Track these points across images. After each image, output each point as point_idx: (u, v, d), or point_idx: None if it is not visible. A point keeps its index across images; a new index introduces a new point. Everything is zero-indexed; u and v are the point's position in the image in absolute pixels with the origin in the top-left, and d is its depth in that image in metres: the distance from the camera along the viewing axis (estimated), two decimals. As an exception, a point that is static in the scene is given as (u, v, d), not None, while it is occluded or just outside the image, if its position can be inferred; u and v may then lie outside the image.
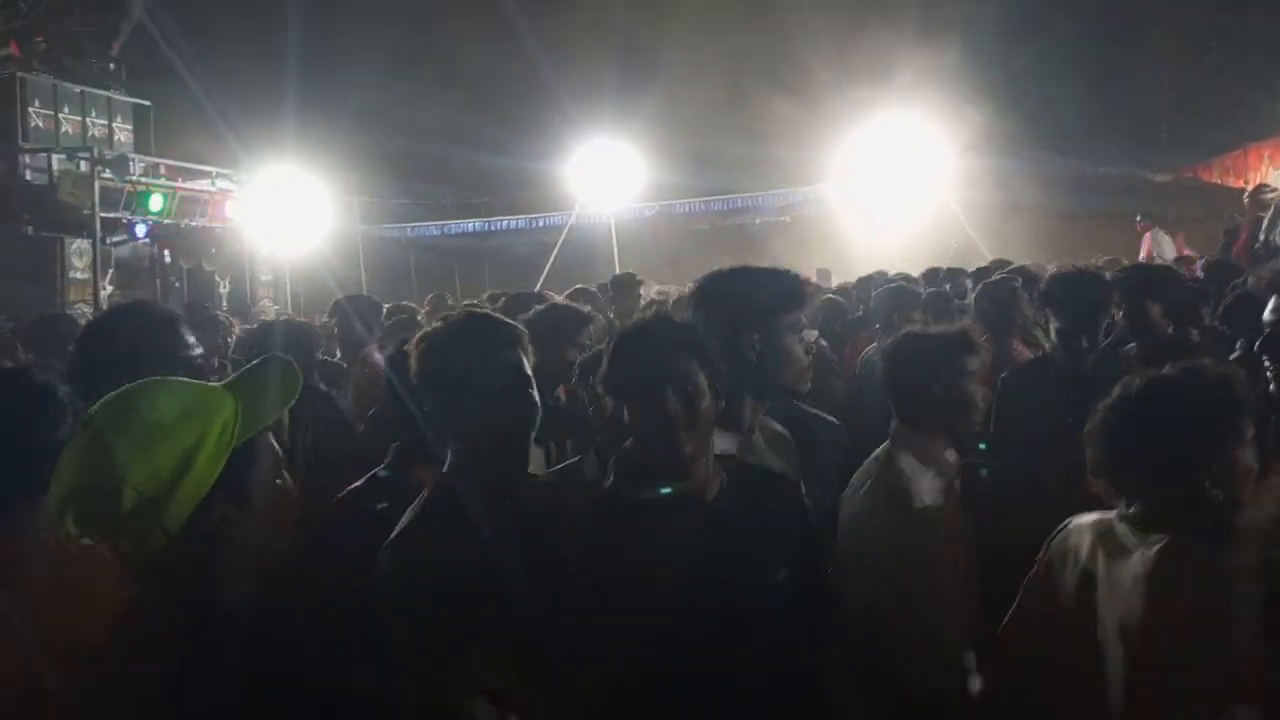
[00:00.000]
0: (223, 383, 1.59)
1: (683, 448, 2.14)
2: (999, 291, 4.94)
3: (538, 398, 2.29)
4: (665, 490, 2.23)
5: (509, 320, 2.36)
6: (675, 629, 2.04)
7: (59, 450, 1.93)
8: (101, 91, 19.46)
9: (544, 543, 2.21)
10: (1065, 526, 2.20)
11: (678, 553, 2.11)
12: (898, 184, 16.20)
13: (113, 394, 1.54)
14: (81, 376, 2.45)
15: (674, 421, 2.12)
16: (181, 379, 1.62)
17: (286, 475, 2.83)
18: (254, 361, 1.67)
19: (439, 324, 2.30)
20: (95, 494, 1.42)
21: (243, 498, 1.52)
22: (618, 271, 15.53)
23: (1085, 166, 19.40)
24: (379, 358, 5.13)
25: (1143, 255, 13.08)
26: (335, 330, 5.49)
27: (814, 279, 10.20)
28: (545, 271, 16.13)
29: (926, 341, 2.90)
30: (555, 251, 17.84)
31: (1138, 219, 13.78)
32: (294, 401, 1.60)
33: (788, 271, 2.86)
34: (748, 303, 2.63)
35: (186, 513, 1.45)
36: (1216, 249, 11.27)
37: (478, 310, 2.48)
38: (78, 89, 18.88)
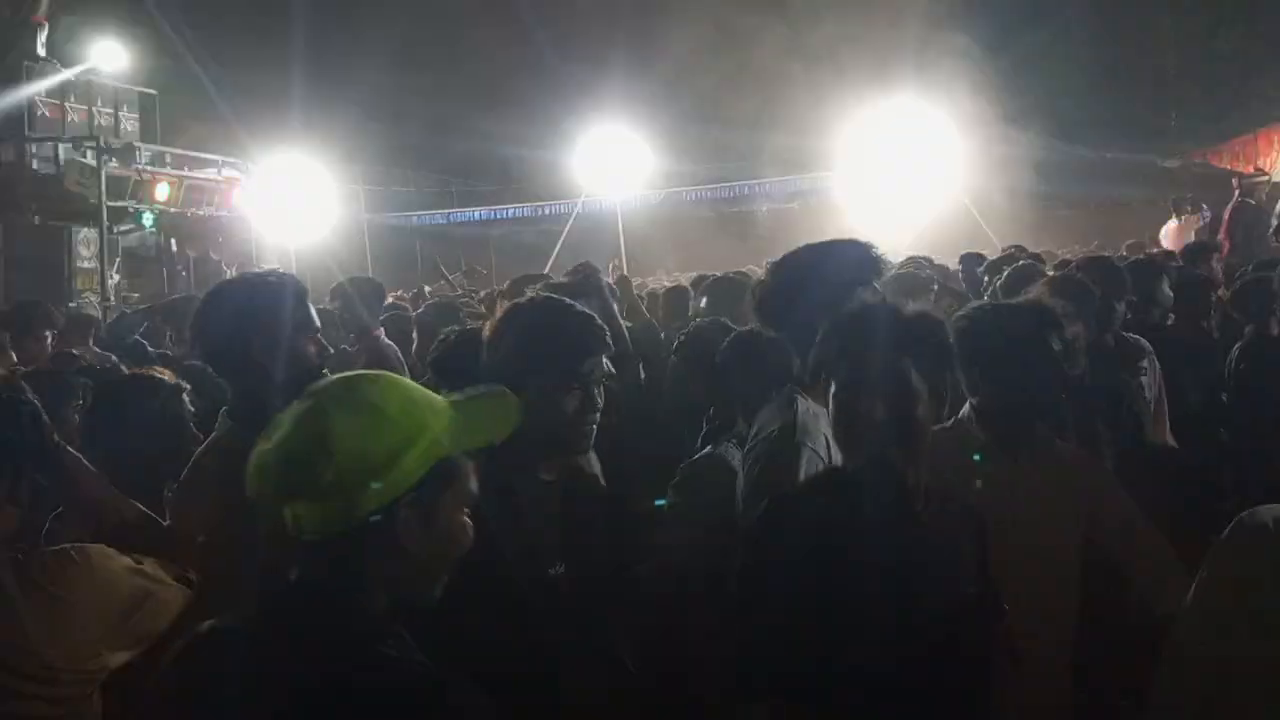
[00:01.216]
0: (450, 396, 1.61)
1: (893, 453, 1.99)
2: (1024, 277, 4.99)
3: (593, 399, 2.22)
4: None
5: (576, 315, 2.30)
6: (874, 641, 1.91)
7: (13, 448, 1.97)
8: (107, 81, 19.44)
9: (573, 539, 2.18)
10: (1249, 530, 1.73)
11: (885, 563, 1.92)
12: (906, 171, 16.12)
13: (343, 375, 1.59)
14: (214, 351, 2.55)
15: (893, 424, 1.97)
16: (409, 380, 1.64)
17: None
18: (482, 387, 1.70)
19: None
20: (301, 457, 1.43)
21: (430, 511, 1.50)
22: (624, 259, 15.54)
23: (1094, 152, 19.31)
24: (387, 342, 5.14)
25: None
26: (338, 315, 5.48)
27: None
28: (551, 259, 16.11)
29: (1013, 313, 2.71)
30: (561, 239, 17.83)
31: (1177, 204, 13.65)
32: (505, 437, 1.63)
33: (860, 241, 2.74)
34: (836, 278, 2.53)
35: (379, 504, 1.45)
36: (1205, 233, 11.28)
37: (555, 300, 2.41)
38: (84, 78, 18.87)
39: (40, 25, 18.43)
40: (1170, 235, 13.16)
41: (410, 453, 1.46)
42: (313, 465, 1.42)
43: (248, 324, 2.48)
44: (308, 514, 1.44)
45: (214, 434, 2.59)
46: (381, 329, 5.20)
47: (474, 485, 1.58)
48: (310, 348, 2.57)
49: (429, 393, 1.58)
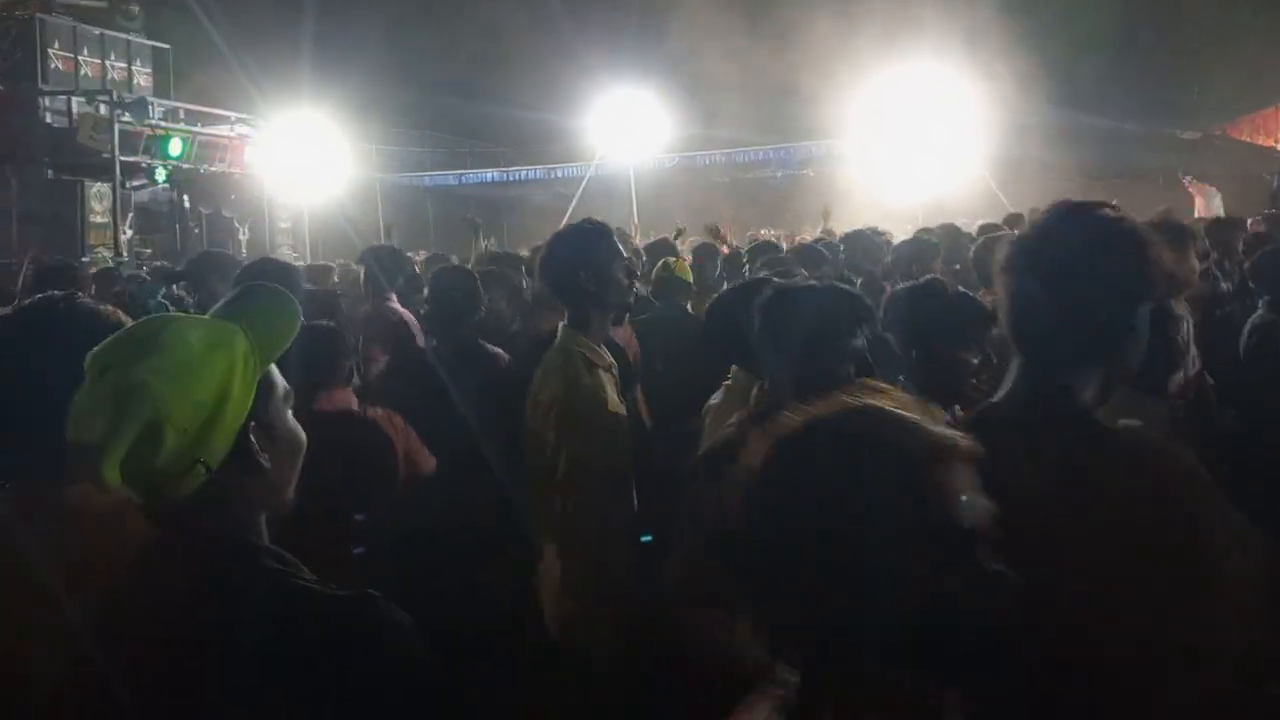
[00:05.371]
0: (214, 315, 1.54)
1: None
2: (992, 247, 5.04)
3: None
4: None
5: None
6: None
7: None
8: (121, 34, 19.37)
9: None
10: None
11: None
12: (921, 138, 16.02)
13: (120, 333, 1.48)
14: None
15: None
16: (192, 315, 1.56)
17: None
18: (238, 292, 1.60)
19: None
20: (136, 439, 1.37)
21: (269, 424, 1.49)
22: (636, 224, 15.47)
23: (1112, 123, 19.12)
24: (397, 307, 5.18)
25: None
26: (362, 279, 5.54)
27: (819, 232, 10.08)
28: (564, 222, 16.06)
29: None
30: (574, 203, 17.77)
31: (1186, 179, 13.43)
32: (299, 329, 1.55)
33: None
34: None
35: (227, 446, 1.42)
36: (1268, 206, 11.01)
37: None
38: (97, 31, 18.79)
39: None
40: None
41: (235, 384, 1.43)
42: (150, 444, 1.37)
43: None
44: (164, 488, 1.41)
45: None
46: (394, 295, 5.25)
47: (284, 383, 1.55)
48: (621, 275, 3.10)
49: (216, 319, 1.52)
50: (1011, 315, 1.87)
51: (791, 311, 2.56)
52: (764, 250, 6.11)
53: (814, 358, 2.50)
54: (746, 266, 5.97)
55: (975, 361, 2.76)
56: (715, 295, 3.72)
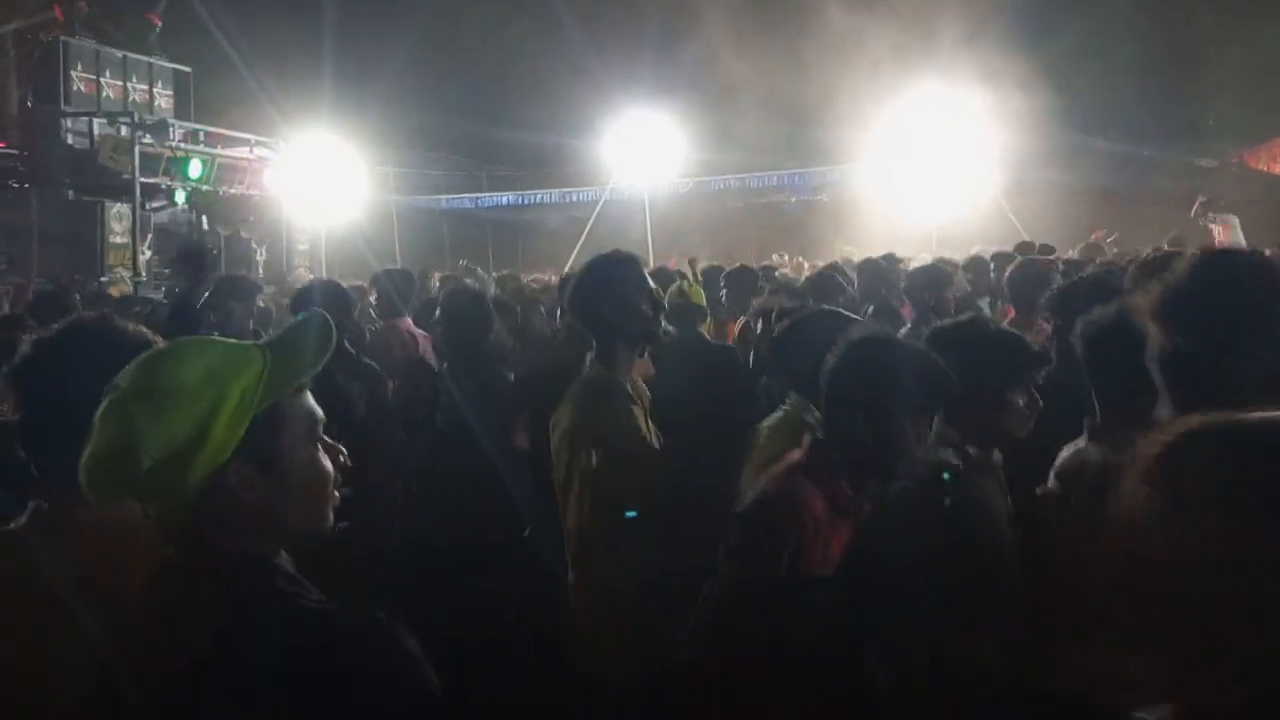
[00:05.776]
0: (261, 341, 1.56)
1: None
2: (1032, 270, 5.09)
3: None
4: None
5: None
6: None
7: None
8: (143, 57, 19.60)
9: None
10: None
11: None
12: (937, 164, 16.01)
13: (144, 356, 1.52)
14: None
15: None
16: (216, 338, 1.59)
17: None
18: (295, 319, 1.65)
19: None
20: (114, 459, 1.42)
21: (267, 460, 1.47)
22: (651, 248, 15.51)
23: (1129, 149, 19.10)
24: (411, 328, 5.23)
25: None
26: (374, 302, 5.61)
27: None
28: (579, 245, 16.12)
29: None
30: (589, 226, 17.83)
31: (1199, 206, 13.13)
32: (327, 358, 1.56)
33: None
34: None
35: (203, 478, 1.43)
36: None
37: None
38: (119, 54, 19.03)
39: (154, 25, 19.11)
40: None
41: (218, 420, 1.43)
42: (123, 468, 1.41)
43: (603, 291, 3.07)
44: (149, 506, 1.45)
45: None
46: (409, 316, 5.30)
47: (311, 413, 1.55)
48: (645, 306, 3.07)
49: (237, 346, 1.53)
50: (1164, 363, 1.83)
51: (897, 370, 2.36)
52: (739, 275, 6.10)
53: (898, 418, 2.33)
54: (724, 291, 5.99)
55: (1022, 402, 2.57)
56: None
